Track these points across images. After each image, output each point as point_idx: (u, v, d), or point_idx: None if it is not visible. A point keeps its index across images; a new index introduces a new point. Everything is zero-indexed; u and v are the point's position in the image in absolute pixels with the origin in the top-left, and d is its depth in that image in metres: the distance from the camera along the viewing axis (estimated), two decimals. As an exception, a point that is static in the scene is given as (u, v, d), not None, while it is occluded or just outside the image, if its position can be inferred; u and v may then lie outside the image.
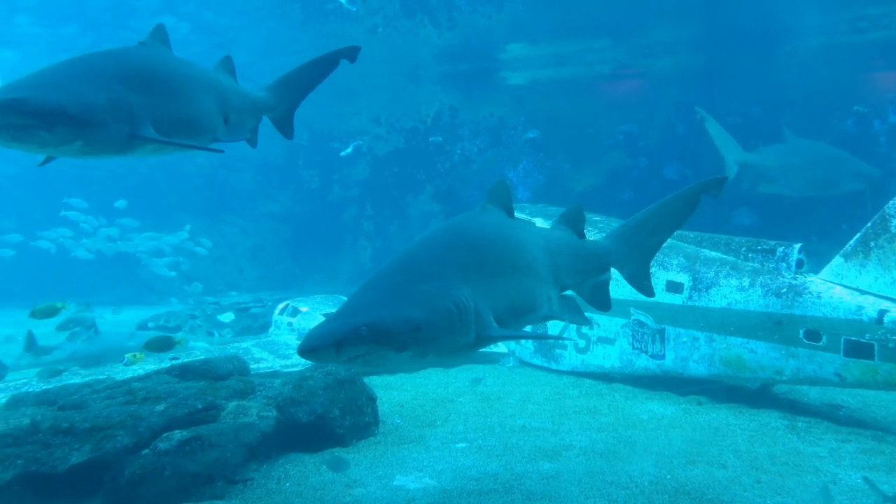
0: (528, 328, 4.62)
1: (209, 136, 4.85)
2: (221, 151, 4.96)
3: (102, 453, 4.86)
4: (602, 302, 5.29)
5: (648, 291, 5.40)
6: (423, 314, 3.49)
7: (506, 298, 4.05)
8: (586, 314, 5.06)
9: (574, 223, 5.23)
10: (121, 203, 16.95)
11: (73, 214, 16.84)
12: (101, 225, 17.14)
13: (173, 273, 16.90)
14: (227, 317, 11.16)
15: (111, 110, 3.99)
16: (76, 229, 17.13)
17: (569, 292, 5.02)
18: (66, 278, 17.84)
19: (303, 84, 5.62)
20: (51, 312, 8.47)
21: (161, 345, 7.97)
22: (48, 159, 4.50)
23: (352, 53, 5.60)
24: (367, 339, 3.31)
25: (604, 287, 5.29)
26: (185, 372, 6.59)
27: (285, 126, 5.74)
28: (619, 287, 8.13)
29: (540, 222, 8.20)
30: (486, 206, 4.59)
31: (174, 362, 7.58)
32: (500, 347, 9.73)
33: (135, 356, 7.95)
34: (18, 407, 6.07)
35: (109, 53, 4.40)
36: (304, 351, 3.32)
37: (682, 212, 5.19)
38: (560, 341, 8.90)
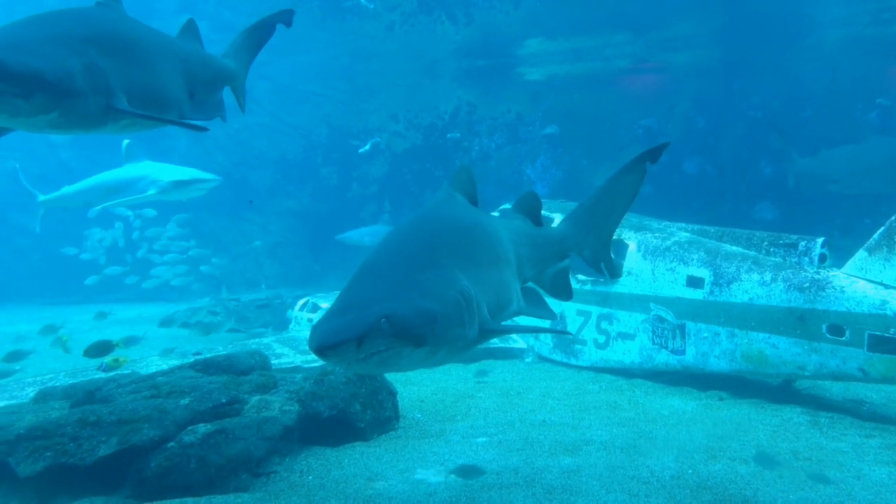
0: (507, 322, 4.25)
1: (175, 112, 4.40)
2: (206, 129, 4.55)
3: (129, 446, 4.94)
4: (564, 291, 5.02)
5: (613, 272, 5.22)
6: (438, 305, 3.17)
7: (493, 291, 3.78)
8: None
9: (530, 210, 4.91)
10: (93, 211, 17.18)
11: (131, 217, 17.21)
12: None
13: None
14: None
15: (89, 78, 3.59)
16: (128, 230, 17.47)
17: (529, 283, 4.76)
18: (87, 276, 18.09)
19: (254, 50, 5.32)
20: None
21: (99, 350, 8.02)
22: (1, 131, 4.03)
23: (287, 17, 5.44)
24: (387, 332, 2.95)
25: (564, 275, 5.01)
26: (208, 367, 6.68)
27: (243, 95, 5.36)
28: (639, 282, 8.16)
29: (559, 218, 8.19)
30: (452, 193, 4.25)
31: (197, 357, 7.69)
32: (519, 343, 9.75)
33: (116, 360, 7.84)
34: (46, 401, 6.19)
35: (75, 13, 3.90)
36: (323, 348, 2.94)
37: (632, 185, 4.99)
38: (579, 337, 8.89)
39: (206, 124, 4.59)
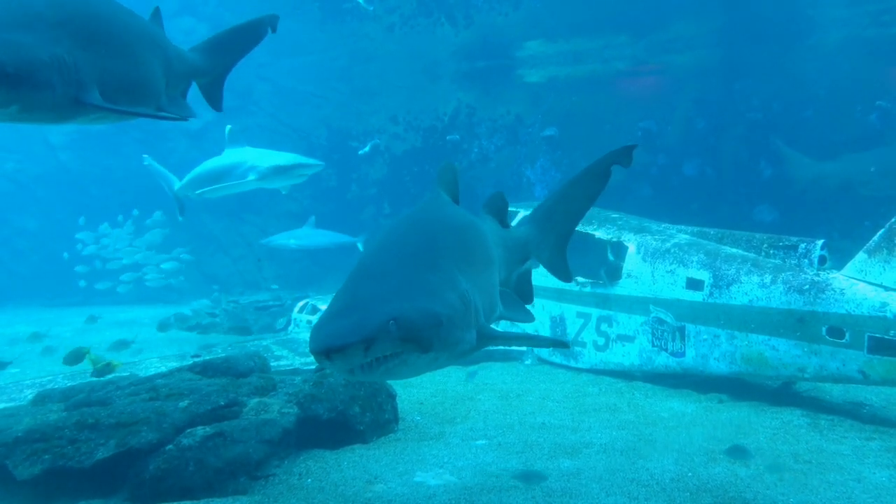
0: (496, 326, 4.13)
1: (153, 105, 4.04)
2: (185, 119, 4.26)
3: (127, 448, 4.93)
4: (527, 293, 4.86)
5: (566, 276, 4.99)
6: (442, 307, 3.04)
7: (486, 294, 3.64)
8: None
9: (499, 211, 4.70)
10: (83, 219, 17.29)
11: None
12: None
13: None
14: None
15: (57, 69, 3.23)
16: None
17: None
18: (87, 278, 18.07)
19: (236, 49, 4.93)
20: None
21: (75, 357, 8.45)
22: None
23: (273, 21, 4.98)
24: (394, 335, 2.80)
25: (527, 277, 4.88)
26: (206, 369, 6.67)
27: (215, 95, 4.96)
28: (639, 284, 8.15)
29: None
30: (440, 192, 4.13)
31: (196, 360, 7.68)
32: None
33: (110, 364, 7.79)
34: (45, 403, 6.17)
35: None
36: (329, 350, 2.77)
37: (593, 188, 4.79)
38: (578, 339, 8.87)
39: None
